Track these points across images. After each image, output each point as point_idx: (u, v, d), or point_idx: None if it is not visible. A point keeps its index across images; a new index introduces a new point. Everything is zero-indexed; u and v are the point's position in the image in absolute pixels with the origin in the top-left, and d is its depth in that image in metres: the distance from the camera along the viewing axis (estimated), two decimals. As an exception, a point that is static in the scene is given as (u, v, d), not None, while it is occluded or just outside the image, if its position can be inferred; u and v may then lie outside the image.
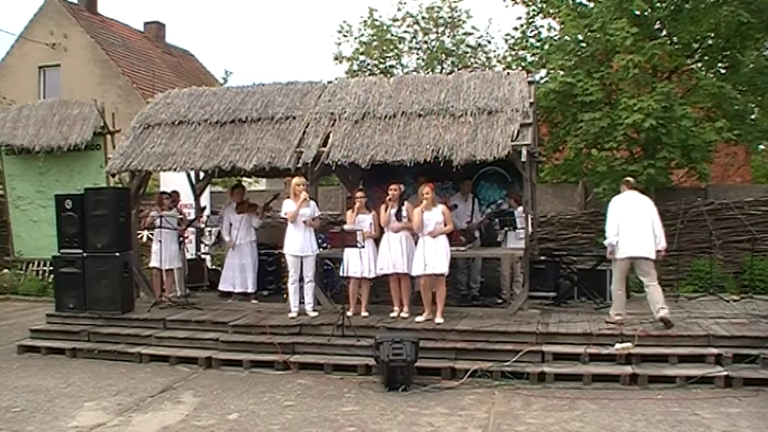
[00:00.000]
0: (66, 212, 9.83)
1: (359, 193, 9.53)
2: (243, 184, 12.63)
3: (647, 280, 8.54)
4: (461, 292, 10.90)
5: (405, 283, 9.14)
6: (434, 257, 8.67)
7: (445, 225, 8.82)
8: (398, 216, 9.08)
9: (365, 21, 24.59)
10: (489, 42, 25.06)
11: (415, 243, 9.00)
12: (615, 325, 8.45)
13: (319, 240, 9.90)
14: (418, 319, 8.81)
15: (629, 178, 9.42)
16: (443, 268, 8.73)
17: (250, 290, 10.65)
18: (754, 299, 10.43)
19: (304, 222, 9.27)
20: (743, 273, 11.90)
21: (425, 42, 25.17)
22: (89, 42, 23.27)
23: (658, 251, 8.57)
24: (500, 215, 10.43)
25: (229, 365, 8.47)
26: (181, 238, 10.85)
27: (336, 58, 24.88)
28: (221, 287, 10.80)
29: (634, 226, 8.54)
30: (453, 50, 24.83)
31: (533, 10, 14.68)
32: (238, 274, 10.63)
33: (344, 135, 9.73)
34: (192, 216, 12.04)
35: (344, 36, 24.88)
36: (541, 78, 13.92)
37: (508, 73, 10.68)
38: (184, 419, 6.61)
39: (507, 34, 15.16)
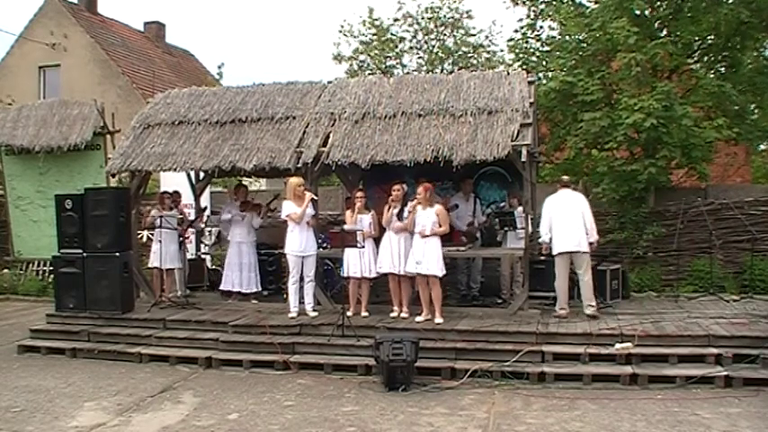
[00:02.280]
0: (66, 212, 9.84)
1: (359, 194, 9.53)
2: (245, 183, 12.63)
3: (581, 272, 9.17)
4: (461, 292, 10.90)
5: (405, 284, 9.14)
6: (424, 258, 8.68)
7: (440, 226, 8.80)
8: (400, 216, 9.08)
9: (365, 21, 24.65)
10: (492, 44, 25.14)
11: None
12: (560, 319, 8.89)
13: (319, 240, 9.90)
14: (418, 319, 8.81)
15: (564, 177, 9.90)
16: (435, 270, 8.72)
17: (254, 289, 10.64)
18: (754, 299, 10.43)
19: (307, 223, 9.28)
20: (743, 273, 11.89)
21: (426, 42, 25.21)
22: (89, 42, 23.28)
23: (590, 243, 9.15)
24: (500, 215, 10.42)
25: (229, 365, 8.47)
26: (181, 239, 10.85)
27: (336, 58, 24.95)
28: (223, 287, 10.79)
29: (565, 222, 9.12)
30: (454, 50, 24.85)
31: (534, 10, 14.68)
32: (238, 273, 10.63)
33: (344, 135, 9.73)
34: (193, 216, 12.03)
35: (345, 36, 24.96)
36: (541, 78, 13.90)
37: (508, 73, 10.69)
38: (184, 419, 6.61)
39: (510, 39, 15.16)
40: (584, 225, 9.11)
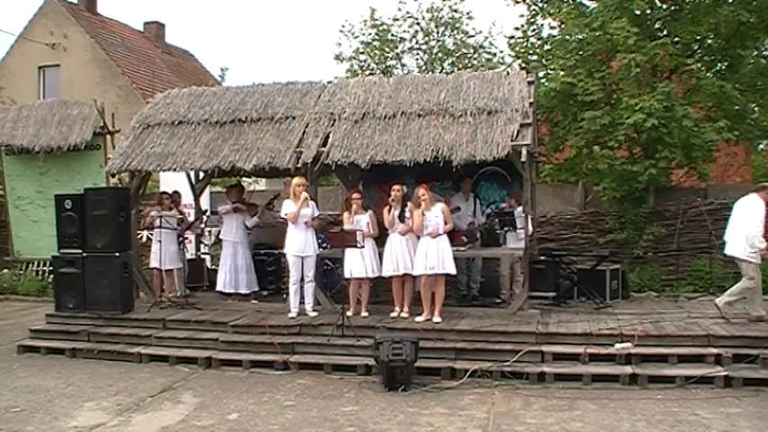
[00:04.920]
0: (66, 212, 9.83)
1: (355, 194, 9.55)
2: (242, 183, 12.62)
3: (742, 279, 8.76)
4: (461, 292, 10.90)
5: (408, 284, 9.14)
6: (440, 257, 8.67)
7: (445, 223, 8.80)
8: (401, 217, 9.08)
9: (366, 21, 24.68)
10: (492, 44, 25.15)
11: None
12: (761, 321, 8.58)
13: (319, 240, 9.91)
14: (418, 319, 8.81)
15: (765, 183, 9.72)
16: (451, 268, 8.73)
17: (250, 290, 10.61)
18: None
19: (305, 223, 9.27)
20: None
21: (426, 43, 25.23)
22: (89, 42, 23.28)
23: (755, 250, 8.59)
24: (500, 215, 10.43)
25: (229, 365, 8.47)
26: (181, 239, 10.84)
27: (337, 58, 24.99)
28: (225, 289, 10.64)
29: (730, 226, 8.96)
30: (453, 51, 24.87)
31: (534, 10, 14.68)
32: (232, 274, 10.55)
33: (344, 135, 9.72)
34: (193, 217, 12.03)
35: (346, 36, 25.02)
36: (542, 77, 13.88)
37: (508, 73, 10.68)
38: (184, 419, 6.61)
39: (510, 36, 15.12)
40: (743, 231, 8.68)
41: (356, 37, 24.97)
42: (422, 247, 8.83)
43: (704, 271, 11.84)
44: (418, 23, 24.92)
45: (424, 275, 8.84)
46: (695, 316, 9.03)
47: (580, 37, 13.09)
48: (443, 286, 8.85)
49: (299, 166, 9.62)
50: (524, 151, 8.85)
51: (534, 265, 10.13)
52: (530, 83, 10.04)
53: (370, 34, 24.82)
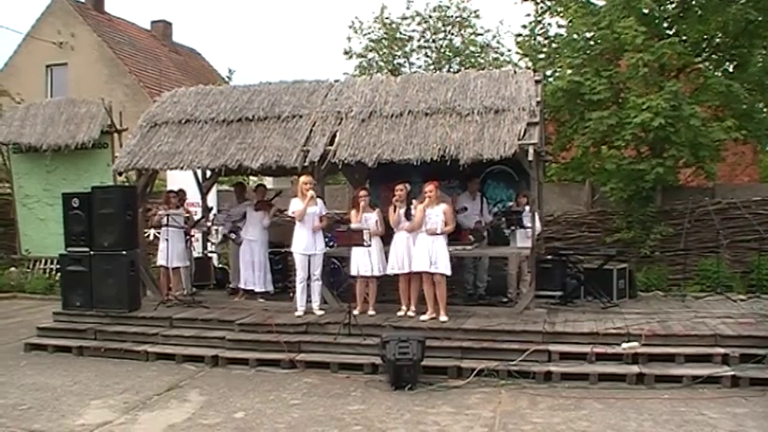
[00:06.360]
0: (73, 211, 9.86)
1: (362, 192, 9.55)
2: (243, 182, 12.63)
3: None
4: (468, 291, 10.89)
5: (414, 283, 9.13)
6: (433, 257, 8.69)
7: (446, 225, 8.80)
8: (408, 215, 9.08)
9: (376, 18, 24.77)
10: (499, 43, 25.19)
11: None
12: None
13: (326, 239, 9.91)
14: (423, 317, 8.80)
15: None
16: (445, 268, 8.73)
17: (265, 288, 10.61)
18: (761, 298, 10.40)
19: (313, 224, 9.27)
20: (750, 272, 11.85)
21: (434, 41, 25.27)
22: (96, 41, 23.37)
23: None
24: (507, 214, 10.41)
25: (236, 364, 8.48)
26: (187, 237, 10.86)
27: (347, 53, 25.07)
28: (246, 287, 10.62)
29: None
30: (461, 49, 24.90)
31: (542, 8, 14.64)
32: (251, 272, 10.58)
33: (351, 134, 9.72)
34: (199, 215, 12.05)
35: (355, 32, 25.10)
36: (549, 76, 13.84)
37: (515, 72, 10.63)
38: (190, 418, 6.62)
39: (518, 34, 15.06)
40: None
41: (365, 34, 25.05)
42: (419, 244, 8.85)
43: (711, 270, 11.80)
44: (426, 21, 24.96)
45: (424, 274, 8.85)
46: (702, 315, 9.01)
47: (588, 36, 13.06)
48: (444, 285, 8.83)
49: (305, 164, 9.63)
50: (531, 150, 8.84)
51: (541, 265, 10.10)
52: (537, 81, 10.00)
53: (377, 32, 24.90)
